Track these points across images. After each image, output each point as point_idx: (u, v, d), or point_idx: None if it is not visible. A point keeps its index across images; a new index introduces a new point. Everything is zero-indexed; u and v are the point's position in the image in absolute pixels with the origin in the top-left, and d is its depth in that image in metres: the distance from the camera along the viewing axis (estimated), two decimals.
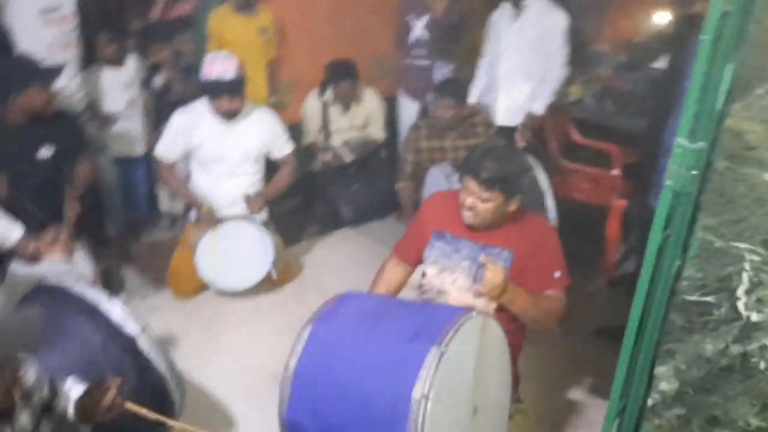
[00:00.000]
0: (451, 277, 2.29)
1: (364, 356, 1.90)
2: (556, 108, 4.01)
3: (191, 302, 3.52)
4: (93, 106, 3.57)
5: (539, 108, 3.85)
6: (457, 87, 3.82)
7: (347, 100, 4.14)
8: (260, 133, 3.39)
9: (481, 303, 2.18)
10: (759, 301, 1.32)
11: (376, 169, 4.32)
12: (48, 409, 1.62)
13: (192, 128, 3.27)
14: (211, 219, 3.37)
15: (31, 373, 1.57)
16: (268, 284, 3.54)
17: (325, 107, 4.14)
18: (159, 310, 3.41)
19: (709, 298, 1.37)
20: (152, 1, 4.20)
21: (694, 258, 1.36)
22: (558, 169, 3.88)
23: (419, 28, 4.09)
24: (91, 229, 3.23)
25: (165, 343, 2.98)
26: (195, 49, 3.83)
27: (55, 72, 2.89)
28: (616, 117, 4.16)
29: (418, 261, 2.40)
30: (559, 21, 3.74)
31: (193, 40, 3.91)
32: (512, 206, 2.22)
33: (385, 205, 4.20)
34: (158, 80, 3.91)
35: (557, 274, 2.26)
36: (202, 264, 3.38)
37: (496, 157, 2.18)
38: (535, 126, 3.91)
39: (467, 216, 2.23)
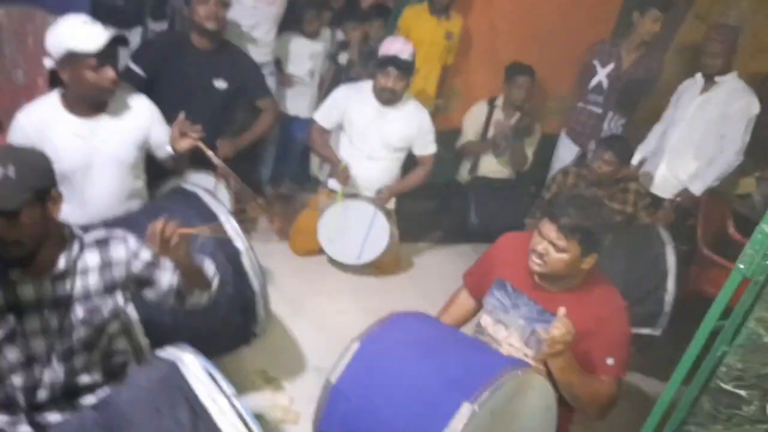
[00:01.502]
0: (505, 332, 2.18)
1: (401, 389, 1.91)
2: (718, 195, 3.79)
3: (304, 260, 3.78)
4: (278, 64, 3.93)
5: (698, 188, 3.66)
6: (624, 145, 3.70)
7: (514, 104, 4.12)
8: (409, 126, 3.55)
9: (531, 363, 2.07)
10: None
11: (519, 195, 4.30)
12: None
13: (350, 103, 3.51)
14: (344, 177, 3.52)
15: (121, 249, 1.77)
16: (374, 268, 3.72)
17: (490, 112, 4.18)
18: (274, 257, 3.67)
19: (742, 392, 1.29)
20: None
21: (739, 347, 1.30)
22: (700, 258, 3.65)
23: (602, 75, 4.03)
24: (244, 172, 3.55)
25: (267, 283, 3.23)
26: (383, 36, 4.07)
27: None
28: None
29: (483, 295, 2.30)
30: (749, 106, 3.53)
31: (384, 28, 4.14)
32: (586, 264, 2.07)
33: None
34: (343, 57, 4.20)
35: (610, 361, 2.06)
36: (322, 229, 3.61)
37: (581, 205, 2.05)
38: (689, 206, 3.73)
39: (536, 264, 2.10)
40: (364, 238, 3.60)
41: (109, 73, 2.28)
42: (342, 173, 3.52)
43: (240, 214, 3.53)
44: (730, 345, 1.35)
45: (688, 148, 3.70)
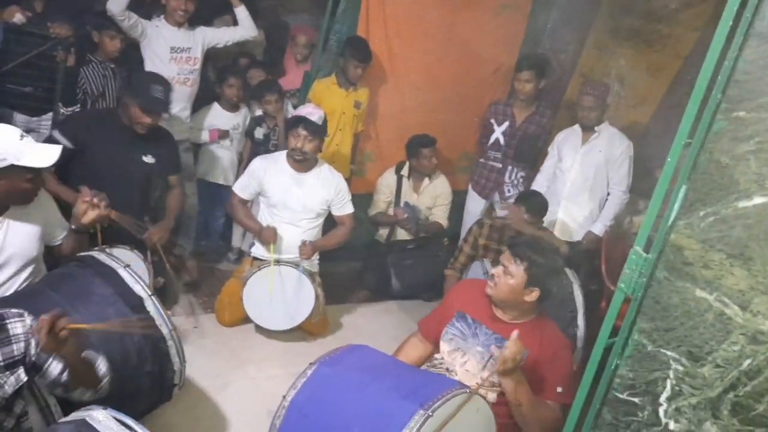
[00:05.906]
0: (462, 358, 2.40)
1: (356, 403, 2.04)
2: (618, 234, 4.09)
3: (230, 330, 3.77)
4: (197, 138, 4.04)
5: (600, 229, 3.98)
6: (540, 200, 3.86)
7: (423, 173, 4.38)
8: (327, 190, 3.68)
9: (482, 390, 2.26)
10: (678, 410, 1.39)
11: (435, 253, 4.48)
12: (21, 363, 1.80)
13: (267, 173, 3.62)
14: (272, 235, 3.59)
15: (18, 326, 1.79)
16: (302, 332, 3.76)
17: (399, 180, 4.41)
18: (199, 330, 3.68)
19: (635, 399, 1.45)
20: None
21: (628, 358, 1.46)
22: (608, 294, 3.90)
23: (498, 133, 4.35)
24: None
25: (195, 357, 3.21)
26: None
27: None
28: None
29: (439, 335, 2.51)
30: (627, 149, 3.92)
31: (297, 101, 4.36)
32: (530, 296, 2.34)
33: (434, 288, 4.32)
34: (259, 132, 4.34)
35: (560, 389, 2.34)
36: (247, 297, 3.64)
37: (537, 245, 2.40)
38: (593, 247, 4.01)
39: (488, 287, 2.40)
40: (290, 303, 3.65)
41: (41, 182, 2.34)
42: (267, 233, 3.60)
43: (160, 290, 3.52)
44: (621, 357, 1.51)
45: (582, 193, 4.01)
